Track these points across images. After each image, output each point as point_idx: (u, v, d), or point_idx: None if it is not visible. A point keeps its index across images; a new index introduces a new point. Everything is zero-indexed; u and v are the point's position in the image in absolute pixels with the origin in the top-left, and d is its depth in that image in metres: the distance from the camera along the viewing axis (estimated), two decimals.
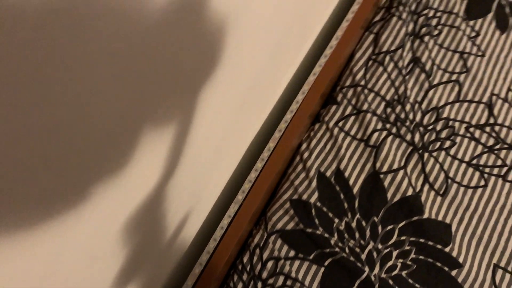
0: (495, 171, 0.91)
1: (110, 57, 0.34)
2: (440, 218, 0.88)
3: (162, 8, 0.37)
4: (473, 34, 1.01)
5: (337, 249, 0.86)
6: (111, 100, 0.37)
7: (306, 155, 0.95)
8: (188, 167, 0.62)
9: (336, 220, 0.88)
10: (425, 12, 1.03)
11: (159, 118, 0.47)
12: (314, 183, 0.92)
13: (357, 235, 0.87)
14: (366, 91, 0.98)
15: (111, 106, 0.38)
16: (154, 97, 0.44)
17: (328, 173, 0.92)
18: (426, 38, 1.01)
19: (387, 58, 1.00)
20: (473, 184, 0.90)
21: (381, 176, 0.91)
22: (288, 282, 0.85)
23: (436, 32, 1.02)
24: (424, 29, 1.02)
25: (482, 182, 0.90)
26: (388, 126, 0.95)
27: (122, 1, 0.32)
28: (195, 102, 0.55)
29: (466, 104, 0.96)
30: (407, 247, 0.86)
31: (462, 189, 0.89)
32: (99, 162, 0.40)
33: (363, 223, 0.88)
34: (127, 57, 0.36)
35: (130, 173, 0.46)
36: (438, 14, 1.03)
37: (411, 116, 0.95)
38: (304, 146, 0.96)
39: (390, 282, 0.83)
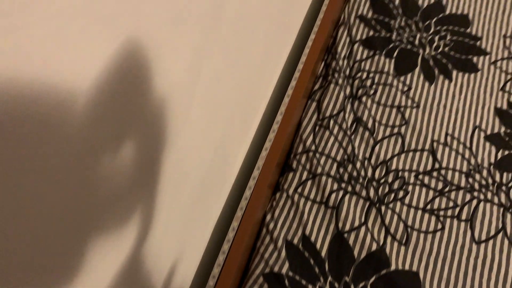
0: (449, 212, 0.96)
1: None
2: (407, 267, 0.91)
3: (103, 118, 0.41)
4: (405, 88, 1.10)
5: None
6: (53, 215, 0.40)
7: (271, 225, 0.98)
8: (151, 263, 0.64)
9: (310, 287, 0.90)
10: (358, 75, 1.13)
11: (114, 221, 0.50)
12: (283, 253, 0.94)
13: None
14: (317, 155, 1.04)
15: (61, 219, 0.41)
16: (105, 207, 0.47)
17: (295, 241, 0.95)
18: (364, 98, 1.09)
19: (332, 121, 1.07)
20: (431, 229, 0.94)
21: (345, 235, 0.95)
22: None
23: (372, 92, 1.10)
24: (360, 91, 1.10)
25: (439, 226, 0.95)
26: (343, 185, 1.00)
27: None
28: (147, 203, 0.59)
29: (411, 153, 1.03)
30: None
31: (422, 235, 0.94)
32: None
33: (336, 285, 0.90)
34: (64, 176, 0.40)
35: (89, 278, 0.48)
36: (371, 75, 1.13)
37: (362, 173, 1.01)
38: (268, 217, 1.00)
39: None
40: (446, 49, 1.16)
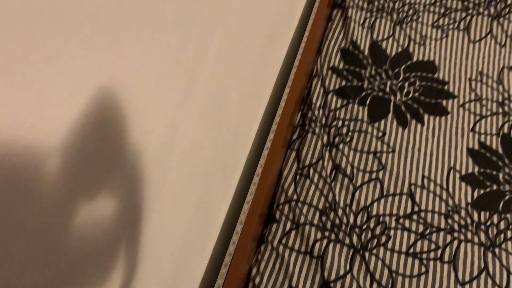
0: (432, 255, 0.97)
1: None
2: None
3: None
4: (380, 134, 1.14)
5: None
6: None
7: (257, 280, 0.98)
8: None
9: None
10: (334, 123, 1.17)
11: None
12: None
13: None
14: (300, 204, 1.05)
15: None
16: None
17: None
18: (341, 146, 1.12)
19: (311, 170, 1.09)
20: (415, 272, 0.95)
21: (331, 285, 0.95)
22: None
23: (348, 139, 1.14)
24: (337, 138, 1.14)
25: (423, 269, 0.95)
26: (326, 233, 1.01)
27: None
28: (127, 264, 0.59)
29: (390, 198, 1.05)
30: None
31: (407, 280, 0.94)
32: None
33: None
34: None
35: None
36: (346, 123, 1.16)
37: (344, 220, 1.02)
38: (254, 271, 0.99)
39: None
40: (416, 94, 1.21)
